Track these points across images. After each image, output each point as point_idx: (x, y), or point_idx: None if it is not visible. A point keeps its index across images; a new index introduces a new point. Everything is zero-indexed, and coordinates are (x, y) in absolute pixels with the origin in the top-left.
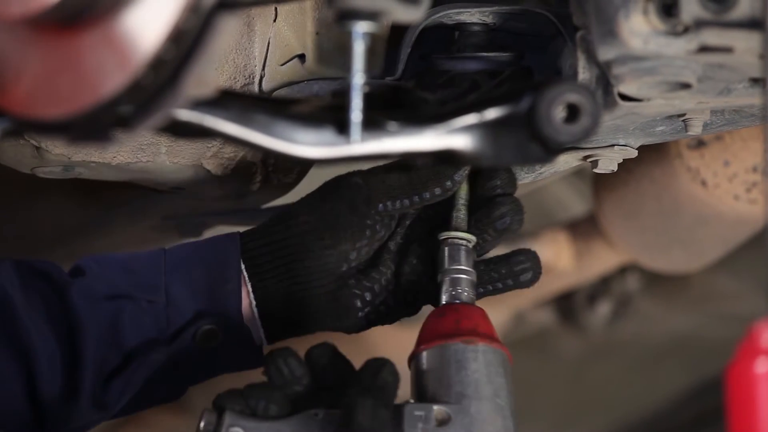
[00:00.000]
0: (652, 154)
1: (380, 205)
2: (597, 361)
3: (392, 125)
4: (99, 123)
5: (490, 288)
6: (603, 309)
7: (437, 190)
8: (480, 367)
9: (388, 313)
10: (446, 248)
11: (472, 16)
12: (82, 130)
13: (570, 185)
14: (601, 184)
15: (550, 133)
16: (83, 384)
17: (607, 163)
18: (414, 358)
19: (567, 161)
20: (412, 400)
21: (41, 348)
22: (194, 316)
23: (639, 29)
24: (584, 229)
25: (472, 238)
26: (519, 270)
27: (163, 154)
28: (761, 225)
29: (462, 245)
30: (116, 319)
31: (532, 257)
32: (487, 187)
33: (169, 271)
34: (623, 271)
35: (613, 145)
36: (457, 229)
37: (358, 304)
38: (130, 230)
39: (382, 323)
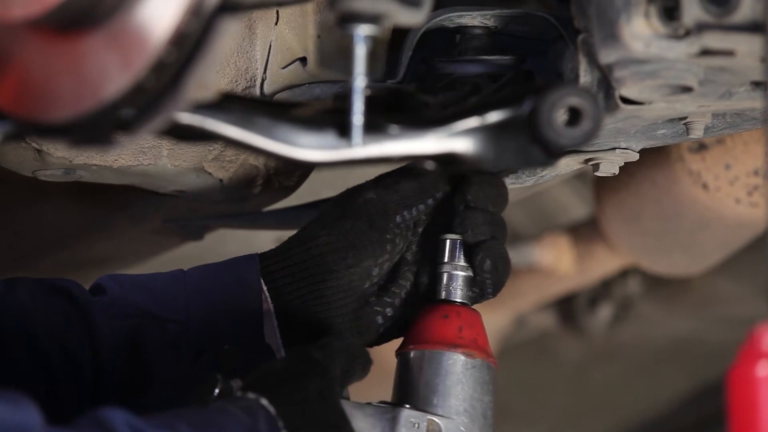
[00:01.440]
0: (653, 157)
1: (398, 217)
2: (598, 365)
3: (394, 128)
4: (101, 126)
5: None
6: (604, 312)
7: (448, 188)
8: (476, 383)
9: (406, 325)
10: (447, 242)
11: (473, 19)
12: (83, 133)
13: (571, 188)
14: (602, 187)
15: (551, 136)
16: (107, 402)
17: (609, 166)
18: (408, 353)
19: (568, 164)
20: (407, 406)
21: (63, 366)
22: (215, 337)
23: (640, 32)
24: (585, 232)
25: None
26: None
27: (164, 158)
28: (762, 228)
29: (463, 242)
30: (138, 339)
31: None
32: (457, 200)
33: (189, 292)
34: (624, 274)
35: (615, 149)
36: (457, 233)
37: (380, 320)
38: (131, 233)
39: (400, 335)
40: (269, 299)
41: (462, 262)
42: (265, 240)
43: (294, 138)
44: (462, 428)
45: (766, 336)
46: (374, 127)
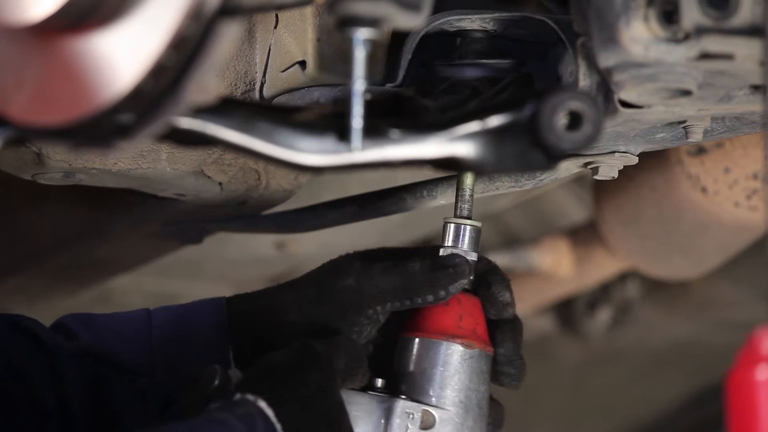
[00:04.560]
0: (652, 161)
1: (370, 311)
2: (597, 368)
3: (394, 133)
4: (100, 130)
5: None
6: (603, 316)
7: (430, 298)
8: (472, 374)
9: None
10: (450, 227)
11: (472, 22)
12: (83, 137)
13: (570, 192)
14: (601, 191)
15: (552, 140)
16: None
17: (608, 170)
18: (407, 339)
19: (567, 168)
20: (403, 396)
21: (29, 412)
22: (181, 388)
23: (640, 36)
24: (584, 235)
25: (478, 224)
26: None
27: (163, 161)
28: (761, 232)
29: (467, 227)
30: (105, 389)
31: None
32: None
33: (155, 342)
34: (623, 277)
35: (614, 152)
36: (461, 218)
37: None
38: (130, 236)
39: None
40: (232, 362)
41: (465, 248)
42: (264, 243)
43: (294, 143)
44: (456, 419)
45: (765, 339)
46: (375, 131)
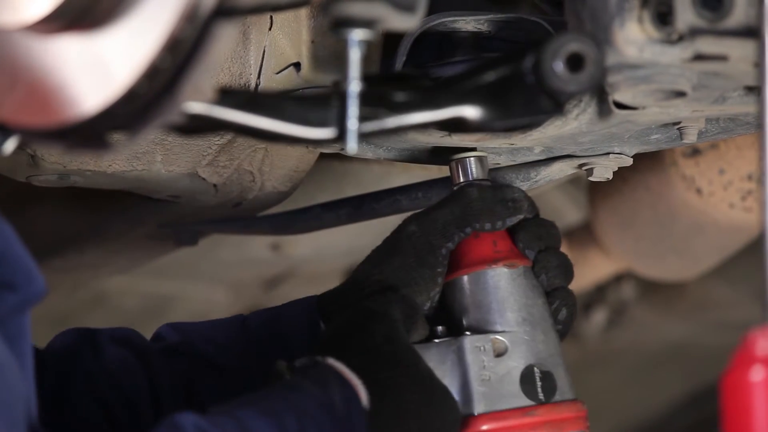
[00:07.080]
0: (647, 162)
1: (443, 250)
2: (593, 370)
3: (400, 96)
4: (95, 131)
5: None
6: (598, 317)
7: (488, 225)
8: (526, 290)
9: None
10: (456, 164)
11: (467, 24)
12: (77, 139)
13: (565, 193)
14: (596, 192)
15: (557, 84)
16: None
17: (602, 171)
18: (453, 282)
19: (562, 169)
20: (468, 333)
21: (124, 414)
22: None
23: (634, 37)
24: (579, 237)
25: (483, 153)
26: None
27: (158, 163)
28: (756, 233)
29: (471, 158)
30: (196, 385)
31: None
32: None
33: (248, 339)
34: (619, 279)
35: (608, 154)
36: (465, 151)
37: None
38: (125, 238)
39: None
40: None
41: (476, 177)
42: (260, 245)
43: (303, 116)
44: (526, 337)
45: (759, 341)
46: (380, 98)
